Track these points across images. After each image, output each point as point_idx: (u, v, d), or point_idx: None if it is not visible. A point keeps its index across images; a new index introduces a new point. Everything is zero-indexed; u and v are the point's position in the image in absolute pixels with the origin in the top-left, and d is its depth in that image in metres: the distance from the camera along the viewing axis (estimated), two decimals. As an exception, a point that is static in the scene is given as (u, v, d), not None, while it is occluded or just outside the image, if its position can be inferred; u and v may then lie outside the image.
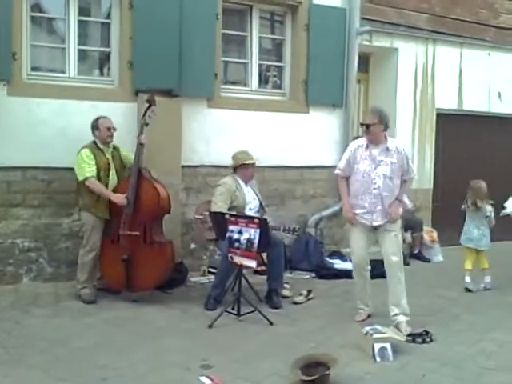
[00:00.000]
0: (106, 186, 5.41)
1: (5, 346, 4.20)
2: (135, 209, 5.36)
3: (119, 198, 5.32)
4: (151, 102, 5.59)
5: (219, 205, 5.36)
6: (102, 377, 3.73)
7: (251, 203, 5.63)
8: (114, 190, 5.43)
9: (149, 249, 5.38)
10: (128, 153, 5.62)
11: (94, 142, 5.45)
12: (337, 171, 5.11)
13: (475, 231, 6.37)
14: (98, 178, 5.35)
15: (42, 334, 4.51)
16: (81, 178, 5.32)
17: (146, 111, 5.56)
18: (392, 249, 4.86)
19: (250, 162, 5.62)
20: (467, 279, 6.27)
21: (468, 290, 6.17)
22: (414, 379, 3.87)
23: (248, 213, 5.46)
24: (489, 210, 6.35)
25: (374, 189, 4.84)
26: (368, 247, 5.09)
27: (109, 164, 5.46)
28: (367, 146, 4.86)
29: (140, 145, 5.45)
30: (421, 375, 3.92)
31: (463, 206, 6.43)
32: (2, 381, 3.64)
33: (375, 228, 4.94)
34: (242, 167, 5.60)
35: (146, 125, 5.55)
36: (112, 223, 5.48)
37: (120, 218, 5.39)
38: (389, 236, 4.88)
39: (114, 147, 5.59)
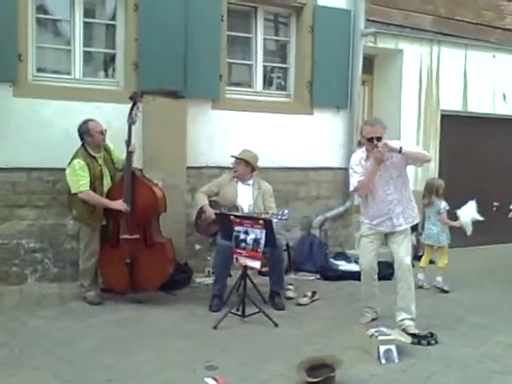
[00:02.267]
0: (101, 194, 5.34)
1: (10, 347, 4.22)
2: (133, 211, 5.31)
3: (121, 205, 5.27)
4: (136, 100, 5.48)
5: (198, 194, 5.77)
6: (107, 378, 3.74)
7: (242, 202, 5.67)
8: (109, 194, 5.38)
9: (150, 250, 5.37)
10: (121, 155, 5.50)
11: (85, 148, 5.31)
12: (354, 189, 4.91)
13: (433, 228, 6.37)
14: (93, 187, 5.27)
15: (46, 334, 4.52)
16: (74, 191, 5.21)
17: (131, 110, 5.44)
18: (405, 251, 4.83)
19: (235, 155, 5.73)
20: (419, 276, 6.27)
21: (419, 287, 6.09)
22: (419, 381, 3.86)
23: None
24: (442, 206, 6.30)
25: (388, 195, 4.79)
26: (377, 256, 5.05)
27: (102, 171, 5.37)
28: (367, 158, 4.79)
29: (130, 153, 5.35)
30: (426, 377, 3.91)
31: (422, 203, 6.42)
32: (7, 381, 3.65)
33: (385, 234, 4.94)
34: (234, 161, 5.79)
35: (134, 123, 5.44)
36: (108, 227, 5.46)
37: (116, 222, 5.37)
38: (402, 239, 4.85)
39: (105, 148, 5.48)
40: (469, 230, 6.32)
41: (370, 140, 4.67)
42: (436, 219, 6.36)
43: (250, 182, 5.80)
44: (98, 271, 5.50)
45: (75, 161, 5.21)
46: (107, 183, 5.42)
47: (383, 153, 4.54)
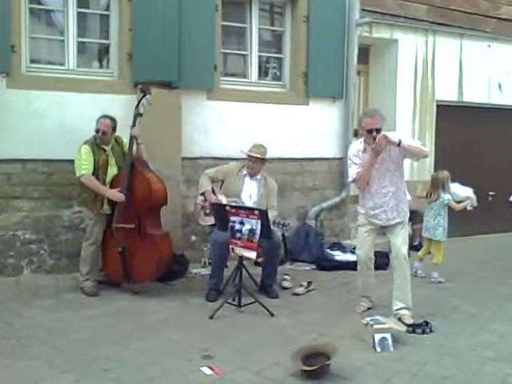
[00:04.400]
0: (103, 182, 5.37)
1: (6, 338, 4.22)
2: (129, 201, 5.32)
3: (115, 195, 5.29)
4: (146, 92, 5.48)
5: (204, 176, 5.65)
6: (104, 368, 3.75)
7: (246, 197, 5.61)
8: (112, 183, 5.41)
9: (143, 241, 5.34)
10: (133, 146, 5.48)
11: (95, 137, 5.39)
12: (352, 180, 4.92)
13: (431, 221, 6.39)
14: (96, 175, 5.32)
15: (43, 325, 4.53)
16: (77, 174, 5.32)
17: (139, 101, 5.48)
18: (401, 241, 4.84)
19: (253, 154, 5.57)
20: (416, 264, 6.40)
21: (414, 275, 6.13)
22: (414, 369, 3.88)
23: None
24: (447, 198, 6.32)
25: (383, 187, 4.80)
26: (374, 246, 5.07)
27: (107, 161, 5.40)
28: (364, 149, 4.79)
29: (133, 137, 5.38)
30: (421, 365, 3.93)
31: (428, 200, 6.46)
32: (4, 372, 3.65)
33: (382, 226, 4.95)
34: (248, 158, 5.63)
35: (140, 115, 5.45)
36: (112, 216, 5.47)
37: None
38: (398, 228, 4.86)
39: (116, 140, 5.53)
40: (474, 201, 6.45)
41: (370, 132, 4.65)
42: (437, 213, 6.33)
43: (258, 177, 5.70)
44: (100, 259, 5.54)
45: (83, 146, 5.31)
46: (112, 173, 5.43)
47: (382, 145, 4.53)
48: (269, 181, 5.75)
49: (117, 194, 5.29)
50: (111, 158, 5.44)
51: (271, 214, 5.27)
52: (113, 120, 5.42)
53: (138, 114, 5.45)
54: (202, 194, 5.62)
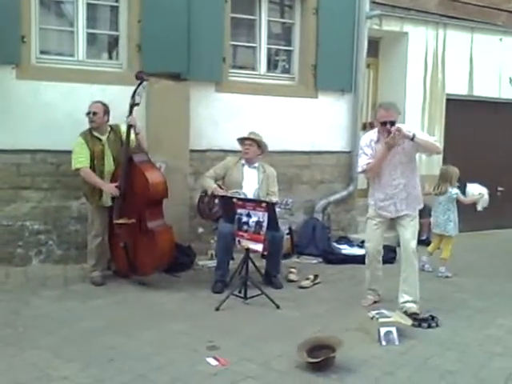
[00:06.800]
0: (102, 173, 5.34)
1: (14, 327, 4.26)
2: (128, 196, 5.27)
3: (111, 189, 5.26)
4: (142, 79, 5.27)
5: (205, 178, 5.74)
6: (110, 357, 3.77)
7: (247, 186, 5.65)
8: (113, 177, 5.37)
9: (145, 236, 5.28)
10: (132, 136, 5.39)
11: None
12: (362, 171, 4.94)
13: (441, 216, 6.37)
14: (93, 166, 5.29)
15: (50, 315, 4.56)
16: (72, 168, 5.32)
17: (135, 90, 5.26)
18: (411, 235, 4.83)
19: (242, 136, 5.72)
20: (423, 258, 6.33)
21: (422, 269, 6.01)
22: (419, 363, 3.88)
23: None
24: (454, 192, 6.32)
25: (394, 179, 4.79)
26: (383, 239, 5.06)
27: (103, 152, 5.35)
28: (378, 140, 4.78)
29: (129, 126, 5.26)
30: (425, 359, 3.93)
31: (432, 192, 6.43)
32: (10, 361, 3.68)
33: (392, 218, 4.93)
34: (242, 144, 5.76)
35: (137, 105, 5.27)
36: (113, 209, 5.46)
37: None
38: (408, 222, 4.84)
39: (113, 128, 5.45)
40: (485, 201, 6.47)
41: (384, 124, 4.65)
42: (447, 208, 6.31)
43: (256, 164, 5.79)
44: (109, 250, 5.57)
45: (77, 138, 5.30)
46: (109, 163, 5.40)
47: (396, 139, 4.52)
48: (267, 168, 5.84)
49: (112, 189, 5.25)
50: (107, 148, 5.38)
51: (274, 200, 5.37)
52: (104, 105, 5.39)
53: (133, 104, 5.27)
54: (212, 193, 5.61)
